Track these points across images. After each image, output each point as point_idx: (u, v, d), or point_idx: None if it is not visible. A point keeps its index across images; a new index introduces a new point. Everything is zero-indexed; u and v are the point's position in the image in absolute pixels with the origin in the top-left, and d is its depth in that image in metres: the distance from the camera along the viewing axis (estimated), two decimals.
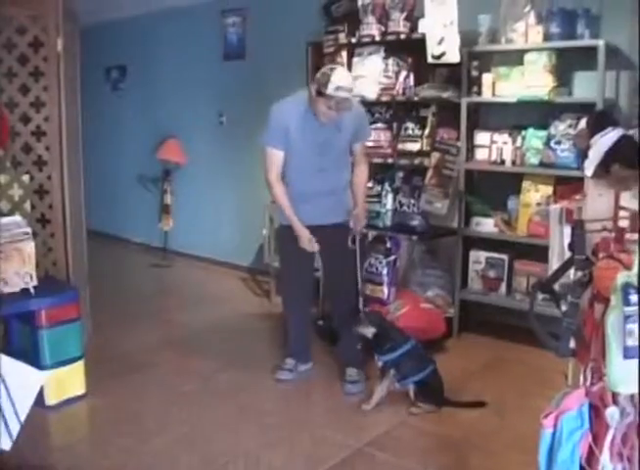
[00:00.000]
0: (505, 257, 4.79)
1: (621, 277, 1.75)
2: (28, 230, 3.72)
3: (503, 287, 4.81)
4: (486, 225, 4.84)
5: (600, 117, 2.14)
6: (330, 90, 3.57)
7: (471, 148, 4.83)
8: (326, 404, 3.91)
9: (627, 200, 2.05)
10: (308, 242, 3.91)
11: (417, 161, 4.90)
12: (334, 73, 3.60)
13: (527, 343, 4.16)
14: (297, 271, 4.13)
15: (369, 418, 3.75)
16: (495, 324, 4.96)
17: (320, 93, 3.62)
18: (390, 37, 4.88)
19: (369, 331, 3.85)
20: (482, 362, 4.57)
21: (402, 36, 4.83)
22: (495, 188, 4.87)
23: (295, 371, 4.22)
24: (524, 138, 4.61)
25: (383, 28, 4.92)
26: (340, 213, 4.01)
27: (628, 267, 1.81)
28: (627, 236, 1.96)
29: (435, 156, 4.79)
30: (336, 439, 3.50)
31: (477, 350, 4.79)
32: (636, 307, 1.71)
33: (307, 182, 3.89)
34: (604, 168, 1.99)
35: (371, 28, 4.94)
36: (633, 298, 1.72)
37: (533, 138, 4.55)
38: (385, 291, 4.64)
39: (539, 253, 4.10)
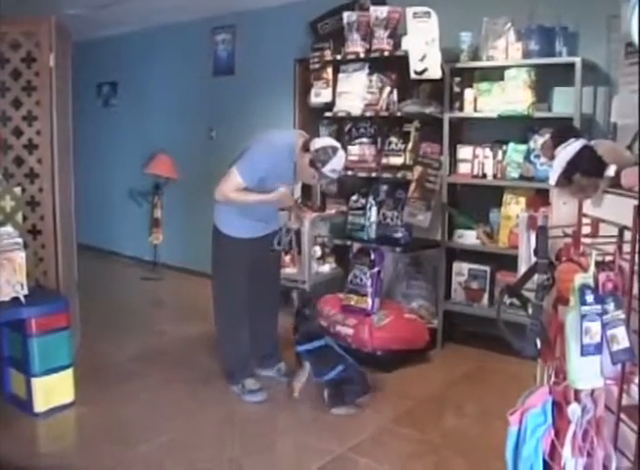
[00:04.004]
0: (487, 268, 4.89)
1: (579, 279, 1.85)
2: (19, 241, 3.80)
3: (485, 298, 4.91)
4: (469, 237, 4.95)
5: (563, 130, 2.24)
6: (326, 170, 3.84)
7: (453, 162, 4.95)
8: (309, 412, 3.96)
9: (589, 208, 2.15)
10: (289, 196, 4.05)
11: (400, 174, 5.01)
12: (335, 157, 3.83)
13: (510, 353, 4.20)
14: (242, 281, 4.12)
15: (351, 424, 3.82)
16: (478, 335, 5.03)
17: (313, 164, 3.82)
18: (375, 54, 5.01)
19: (295, 302, 4.19)
20: (465, 372, 4.65)
21: (386, 53, 4.95)
22: (477, 201, 4.99)
23: (263, 389, 4.18)
24: (504, 152, 4.72)
25: (367, 46, 5.05)
26: (274, 224, 4.28)
27: (587, 270, 1.91)
28: (588, 241, 2.06)
29: (418, 169, 4.90)
30: (318, 445, 3.56)
31: (460, 360, 4.88)
32: (592, 307, 1.81)
33: (264, 211, 4.08)
34: (566, 178, 2.08)
35: (356, 46, 5.06)
36: (589, 298, 1.82)
37: (514, 152, 4.66)
38: (369, 302, 4.71)
39: None
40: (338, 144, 3.96)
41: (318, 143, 3.87)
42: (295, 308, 4.20)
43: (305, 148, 3.87)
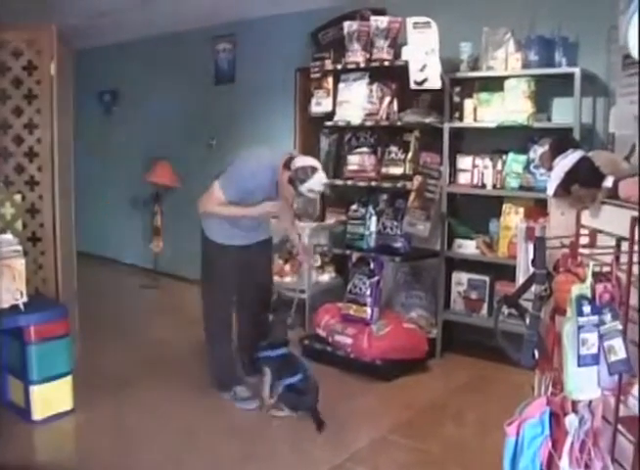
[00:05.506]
0: (486, 278, 4.89)
1: (576, 289, 1.86)
2: (19, 248, 3.81)
3: (485, 308, 4.91)
4: (468, 247, 4.95)
5: (561, 140, 2.25)
6: (303, 189, 3.81)
7: (453, 172, 4.96)
8: (308, 421, 3.95)
9: (587, 218, 2.16)
10: (273, 207, 4.06)
11: (400, 184, 5.00)
12: (313, 177, 3.81)
13: (509, 363, 4.20)
14: (230, 288, 4.21)
15: (349, 434, 3.81)
16: (477, 344, 5.01)
17: (292, 183, 3.82)
18: (375, 64, 5.01)
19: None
20: (464, 381, 4.65)
21: (386, 63, 4.95)
22: (477, 211, 5.00)
23: (254, 396, 4.19)
24: (504, 162, 4.72)
25: (367, 55, 5.05)
26: (263, 233, 4.32)
27: (584, 281, 1.92)
28: (586, 251, 2.06)
29: (418, 179, 4.90)
30: (316, 454, 3.57)
31: (459, 369, 4.87)
32: (589, 318, 1.82)
33: (248, 223, 4.14)
34: (564, 189, 2.09)
35: (356, 55, 5.06)
36: (586, 309, 1.83)
37: (513, 162, 4.67)
38: (368, 311, 4.72)
39: None
40: (319, 165, 3.94)
41: (299, 162, 3.87)
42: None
43: (287, 165, 3.88)
